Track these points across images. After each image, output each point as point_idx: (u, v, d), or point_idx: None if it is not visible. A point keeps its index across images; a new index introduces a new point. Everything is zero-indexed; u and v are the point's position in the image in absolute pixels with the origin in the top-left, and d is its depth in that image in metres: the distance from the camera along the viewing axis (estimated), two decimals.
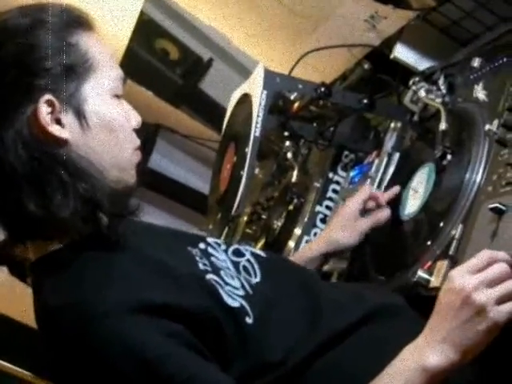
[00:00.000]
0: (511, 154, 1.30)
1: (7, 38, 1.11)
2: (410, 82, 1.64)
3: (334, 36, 1.94)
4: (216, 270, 1.18)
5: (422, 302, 1.21)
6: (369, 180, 1.76)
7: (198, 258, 1.19)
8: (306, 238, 1.91)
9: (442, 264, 1.28)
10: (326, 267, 1.69)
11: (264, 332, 1.14)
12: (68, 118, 1.12)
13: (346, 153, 1.94)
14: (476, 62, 1.53)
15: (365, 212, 1.61)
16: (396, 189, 1.60)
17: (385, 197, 1.60)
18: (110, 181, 1.14)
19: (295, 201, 1.99)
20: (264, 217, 2.15)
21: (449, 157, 1.44)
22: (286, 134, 1.97)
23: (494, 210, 1.23)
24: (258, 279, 1.23)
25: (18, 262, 1.19)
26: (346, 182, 1.92)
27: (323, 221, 1.91)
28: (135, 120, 1.20)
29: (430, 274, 1.29)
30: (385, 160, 1.75)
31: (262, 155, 2.09)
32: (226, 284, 1.16)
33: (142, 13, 2.91)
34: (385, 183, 1.73)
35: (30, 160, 1.08)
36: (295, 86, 1.79)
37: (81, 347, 1.04)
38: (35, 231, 1.13)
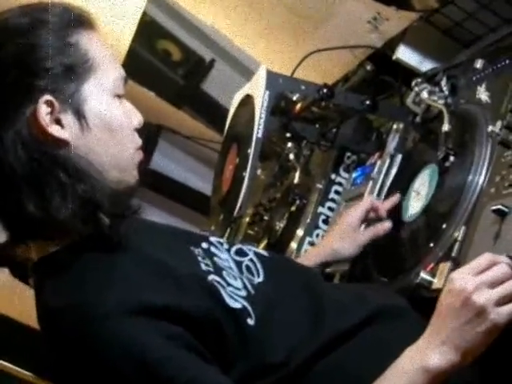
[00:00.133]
0: None
1: (7, 38, 1.10)
2: (413, 84, 1.64)
3: (336, 37, 1.93)
4: (218, 271, 1.17)
5: (425, 303, 1.21)
6: (371, 181, 1.76)
7: (200, 258, 1.18)
8: (308, 239, 1.91)
9: (445, 266, 1.28)
10: (328, 269, 1.69)
11: (266, 333, 1.14)
12: (68, 118, 1.11)
13: (348, 154, 1.94)
14: (479, 64, 1.52)
15: (365, 222, 1.61)
16: (396, 198, 1.59)
17: (385, 206, 1.60)
18: (111, 181, 1.13)
19: (297, 202, 1.99)
20: (266, 218, 2.15)
21: (451, 158, 1.44)
22: (288, 135, 1.97)
23: (496, 211, 1.23)
24: (260, 279, 1.23)
25: (19, 262, 1.18)
26: (348, 183, 1.92)
27: (325, 222, 1.91)
28: (137, 119, 1.19)
29: (433, 275, 1.29)
30: (387, 161, 1.75)
31: (264, 156, 2.09)
32: (228, 285, 1.16)
33: (144, 13, 2.92)
34: (387, 185, 1.72)
35: (30, 161, 1.08)
36: (297, 87, 1.79)
37: (81, 349, 1.04)
38: (36, 232, 1.12)
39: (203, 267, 1.17)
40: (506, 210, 1.22)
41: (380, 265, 1.56)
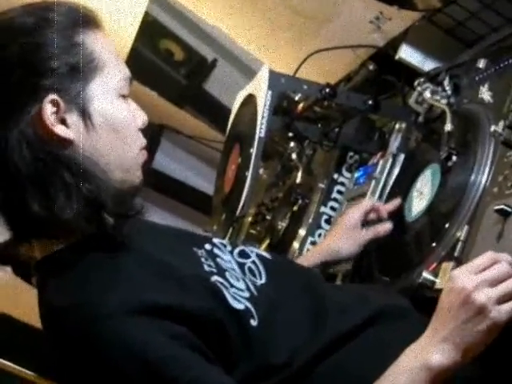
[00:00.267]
0: None
1: (13, 37, 1.10)
2: (415, 83, 1.64)
3: (338, 37, 1.93)
4: (221, 272, 1.17)
5: (427, 303, 1.21)
6: (373, 181, 1.76)
7: (203, 260, 1.18)
8: (310, 238, 1.91)
9: (447, 265, 1.28)
10: (330, 269, 1.69)
11: (269, 334, 1.14)
12: (73, 118, 1.11)
13: (350, 154, 1.94)
14: (481, 63, 1.52)
15: (366, 223, 1.62)
16: (397, 201, 1.60)
17: (386, 208, 1.60)
18: (115, 181, 1.13)
19: (300, 202, 1.99)
20: (268, 217, 2.15)
21: (454, 158, 1.44)
22: (291, 134, 1.97)
23: (499, 211, 1.23)
24: (263, 281, 1.23)
25: (22, 261, 1.18)
26: (350, 183, 1.92)
27: (328, 222, 1.91)
28: (141, 120, 1.19)
29: (435, 275, 1.29)
30: (390, 161, 1.75)
31: (266, 156, 2.09)
32: (231, 286, 1.16)
33: (146, 13, 2.91)
34: (390, 184, 1.72)
35: (35, 160, 1.08)
36: (300, 87, 1.79)
37: (84, 348, 1.04)
38: (40, 230, 1.12)
39: (206, 268, 1.17)
40: (508, 209, 1.22)
41: (382, 264, 1.56)
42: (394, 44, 1.81)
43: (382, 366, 1.11)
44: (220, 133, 2.88)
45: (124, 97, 1.16)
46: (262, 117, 1.68)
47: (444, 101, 1.58)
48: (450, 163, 1.45)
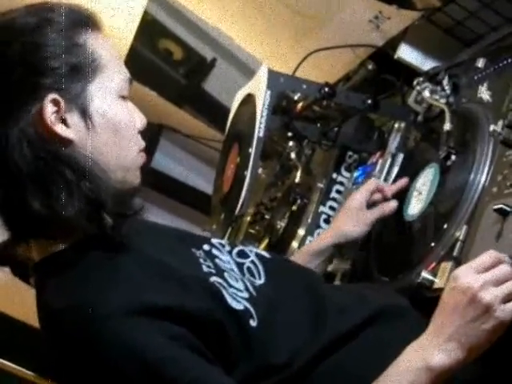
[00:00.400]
0: None
1: (14, 37, 1.10)
2: (414, 83, 1.64)
3: (337, 36, 1.93)
4: (220, 272, 1.17)
5: (426, 303, 1.21)
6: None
7: (201, 260, 1.18)
8: (309, 238, 1.91)
9: (446, 265, 1.28)
10: (329, 268, 1.69)
11: (268, 334, 1.14)
12: (73, 117, 1.11)
13: (349, 153, 1.94)
14: (480, 63, 1.52)
15: (371, 204, 1.61)
16: (403, 181, 1.60)
17: (392, 189, 1.60)
18: (115, 181, 1.13)
19: (299, 201, 1.99)
20: (267, 217, 2.15)
21: (453, 157, 1.44)
22: (290, 134, 1.97)
23: (498, 211, 1.23)
24: (262, 281, 1.23)
25: (20, 262, 1.18)
26: (349, 182, 1.91)
27: (327, 221, 1.91)
28: (140, 121, 1.19)
29: (434, 275, 1.29)
30: (389, 161, 1.75)
31: (265, 155, 2.08)
32: (230, 286, 1.16)
33: (145, 13, 2.91)
34: (389, 184, 1.72)
35: (35, 159, 1.08)
36: (299, 86, 1.79)
37: (83, 349, 1.04)
38: (39, 230, 1.12)
39: (205, 269, 1.17)
40: (508, 209, 1.22)
41: (381, 264, 1.56)
42: (393, 43, 1.81)
43: (381, 365, 1.11)
44: (219, 132, 2.88)
45: (124, 98, 1.17)
46: (261, 116, 1.68)
47: (443, 100, 1.58)
48: (449, 163, 1.45)
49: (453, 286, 1.11)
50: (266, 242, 2.09)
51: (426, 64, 1.76)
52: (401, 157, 1.74)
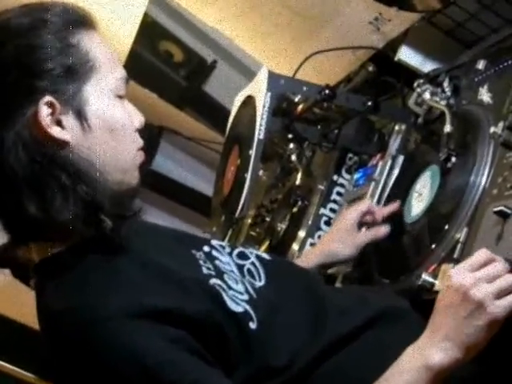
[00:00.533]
0: None
1: (8, 38, 1.10)
2: (415, 85, 1.64)
3: (338, 38, 1.93)
4: (220, 274, 1.17)
5: (427, 305, 1.20)
6: (373, 183, 1.75)
7: (201, 262, 1.18)
8: (310, 240, 1.90)
9: (447, 267, 1.28)
10: (330, 270, 1.69)
11: (268, 336, 1.14)
12: (69, 119, 1.10)
13: (350, 155, 1.94)
14: (481, 65, 1.52)
15: (362, 225, 1.61)
16: (395, 205, 1.59)
17: (383, 212, 1.60)
18: (112, 183, 1.12)
19: (299, 203, 1.99)
20: (268, 219, 2.15)
21: (453, 159, 1.44)
22: (290, 136, 1.97)
23: (498, 213, 1.23)
24: (262, 283, 1.23)
25: (21, 264, 1.18)
26: (350, 184, 1.91)
27: (327, 223, 1.91)
28: (138, 120, 1.18)
29: (435, 277, 1.28)
30: (389, 162, 1.75)
31: (266, 157, 2.08)
32: (230, 288, 1.16)
33: (145, 15, 2.91)
34: (389, 186, 1.72)
35: (31, 162, 1.07)
36: (299, 88, 1.78)
37: (83, 351, 1.04)
38: (37, 233, 1.12)
39: (205, 271, 1.16)
40: (508, 211, 1.22)
41: (382, 266, 1.56)
42: (393, 45, 1.81)
43: (381, 367, 1.11)
44: (219, 134, 2.88)
45: (120, 97, 1.16)
46: (261, 118, 1.68)
47: (443, 102, 1.58)
48: (449, 164, 1.44)
49: (447, 285, 1.11)
50: (266, 244, 2.09)
51: (426, 66, 1.76)
52: (401, 159, 1.74)
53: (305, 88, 1.76)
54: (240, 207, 1.69)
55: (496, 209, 1.23)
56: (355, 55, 1.92)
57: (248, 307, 1.14)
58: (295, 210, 2.01)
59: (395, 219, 1.57)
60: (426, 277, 1.28)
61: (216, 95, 3.23)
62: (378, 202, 1.72)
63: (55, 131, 1.09)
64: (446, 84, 1.61)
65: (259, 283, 1.22)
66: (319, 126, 1.96)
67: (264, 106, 1.69)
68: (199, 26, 2.93)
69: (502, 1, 1.55)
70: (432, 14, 1.69)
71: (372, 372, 1.11)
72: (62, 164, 1.08)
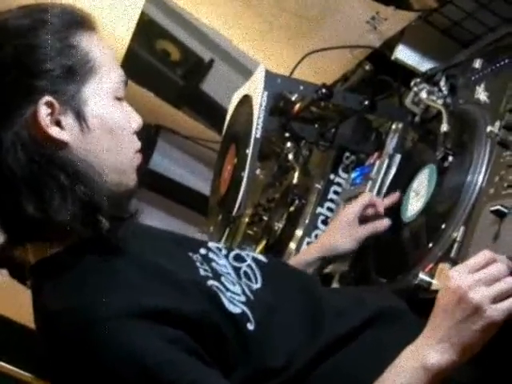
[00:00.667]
0: None
1: (8, 39, 1.10)
2: (412, 84, 1.64)
3: (335, 37, 1.93)
4: (217, 276, 1.17)
5: (424, 304, 1.20)
6: (370, 182, 1.76)
7: (198, 264, 1.18)
8: (307, 239, 1.90)
9: (444, 267, 1.28)
10: (327, 269, 1.69)
11: (266, 338, 1.14)
12: (68, 120, 1.10)
13: (347, 154, 1.94)
14: (477, 64, 1.52)
15: (364, 218, 1.61)
16: (396, 196, 1.59)
17: (385, 203, 1.60)
18: (110, 184, 1.12)
19: (296, 202, 1.99)
20: (265, 218, 2.15)
21: (450, 158, 1.44)
22: (287, 135, 1.97)
23: (495, 212, 1.23)
24: (258, 285, 1.23)
25: (18, 264, 1.18)
26: (347, 183, 1.91)
27: (324, 222, 1.91)
28: (136, 122, 1.18)
29: (432, 276, 1.28)
30: (386, 161, 1.75)
31: (262, 156, 2.08)
32: (227, 290, 1.16)
33: (142, 13, 2.91)
34: (386, 185, 1.72)
35: (29, 162, 1.07)
36: (296, 87, 1.78)
37: (81, 352, 1.04)
38: (34, 233, 1.12)
39: (202, 273, 1.17)
40: (505, 210, 1.22)
41: (379, 265, 1.56)
42: (390, 44, 1.81)
43: (379, 367, 1.11)
44: (216, 133, 2.88)
45: (119, 99, 1.16)
46: (258, 117, 1.68)
47: (440, 101, 1.58)
48: (446, 164, 1.45)
49: (445, 286, 1.11)
50: (263, 243, 2.09)
51: (423, 65, 1.76)
52: (398, 158, 1.74)
53: (302, 87, 1.76)
54: (237, 206, 1.69)
55: (493, 208, 1.23)
56: (352, 54, 1.92)
57: (245, 308, 1.14)
58: (292, 208, 2.01)
59: (392, 218, 1.57)
60: (422, 276, 1.28)
61: (213, 94, 3.22)
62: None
63: (54, 131, 1.09)
64: (442, 83, 1.61)
65: (256, 285, 1.22)
66: (316, 125, 1.96)
67: (261, 105, 1.69)
68: (196, 25, 2.93)
69: (498, 0, 1.55)
70: (429, 12, 1.69)
71: (369, 373, 1.11)
72: (60, 164, 1.08)
